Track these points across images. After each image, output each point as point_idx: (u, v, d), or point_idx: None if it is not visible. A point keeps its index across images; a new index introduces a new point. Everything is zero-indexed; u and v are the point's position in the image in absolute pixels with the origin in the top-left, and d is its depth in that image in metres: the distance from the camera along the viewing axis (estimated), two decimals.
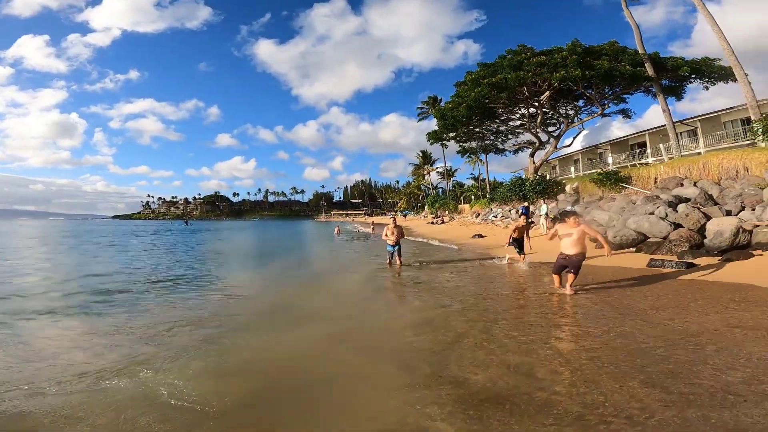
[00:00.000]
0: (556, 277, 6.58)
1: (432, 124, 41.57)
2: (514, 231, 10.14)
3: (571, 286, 6.19)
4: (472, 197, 47.07)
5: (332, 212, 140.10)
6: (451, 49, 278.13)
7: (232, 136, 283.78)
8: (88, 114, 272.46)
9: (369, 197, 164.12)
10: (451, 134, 33.47)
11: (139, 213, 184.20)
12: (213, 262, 13.61)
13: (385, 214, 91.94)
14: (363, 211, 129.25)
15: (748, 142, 18.08)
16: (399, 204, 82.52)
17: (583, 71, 21.47)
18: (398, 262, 9.99)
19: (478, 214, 29.90)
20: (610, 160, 29.47)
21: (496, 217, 25.00)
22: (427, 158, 68.67)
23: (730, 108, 21.57)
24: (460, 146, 36.21)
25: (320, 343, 4.43)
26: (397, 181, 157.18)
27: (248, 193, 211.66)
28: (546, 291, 6.66)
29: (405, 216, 58.75)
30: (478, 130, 32.61)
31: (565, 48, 22.84)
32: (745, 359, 3.37)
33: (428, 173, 69.22)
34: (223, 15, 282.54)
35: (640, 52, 21.97)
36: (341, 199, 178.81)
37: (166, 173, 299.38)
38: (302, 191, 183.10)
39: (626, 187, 16.84)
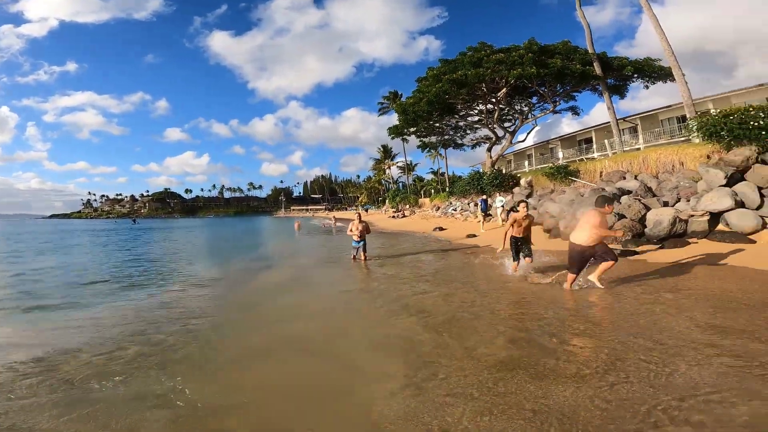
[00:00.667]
0: (574, 277, 5.70)
1: (393, 119, 41.82)
2: (512, 226, 7.29)
3: (599, 278, 5.65)
4: (432, 191, 47.86)
5: (292, 208, 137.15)
6: (413, 45, 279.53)
7: (183, 131, 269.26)
8: (20, 107, 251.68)
9: (329, 192, 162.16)
10: (412, 129, 33.74)
11: (79, 212, 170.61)
12: (174, 259, 12.88)
13: (346, 209, 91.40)
14: (324, 206, 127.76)
15: (683, 138, 19.57)
16: (360, 198, 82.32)
17: (538, 69, 22.26)
18: (363, 257, 10.08)
19: (438, 208, 30.42)
20: (560, 154, 31.00)
21: (455, 210, 25.53)
22: (387, 153, 68.90)
23: (667, 106, 23.28)
24: (420, 141, 36.67)
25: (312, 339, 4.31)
26: (358, 176, 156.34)
27: (202, 189, 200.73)
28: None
29: (366, 210, 58.64)
30: (438, 125, 33.14)
31: (522, 46, 23.56)
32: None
33: (389, 168, 69.56)
34: (175, 6, 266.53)
35: (589, 51, 22.96)
36: (301, 194, 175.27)
37: (109, 169, 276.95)
38: (260, 187, 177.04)
39: (575, 181, 17.70)
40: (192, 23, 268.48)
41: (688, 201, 9.80)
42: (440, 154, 50.01)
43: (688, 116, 17.23)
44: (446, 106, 28.06)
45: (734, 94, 19.92)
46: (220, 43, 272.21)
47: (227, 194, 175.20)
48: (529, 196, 19.11)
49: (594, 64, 22.76)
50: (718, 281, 5.81)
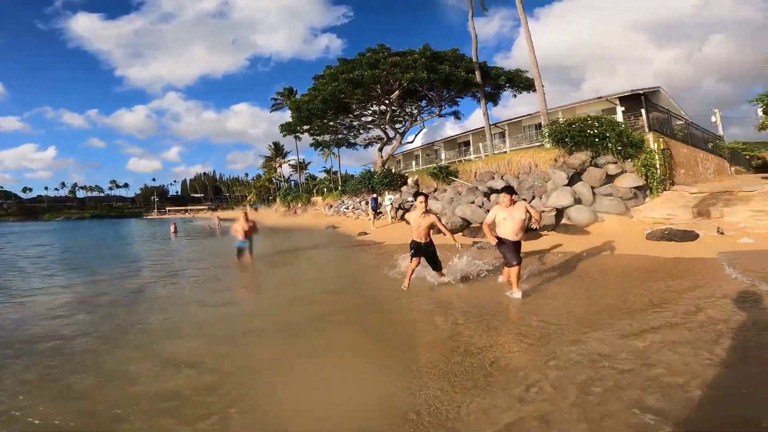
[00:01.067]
0: (509, 270, 5.52)
1: (286, 116, 40.12)
2: (418, 221, 5.98)
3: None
4: (325, 190, 47.47)
5: (167, 209, 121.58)
6: (314, 42, 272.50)
7: (22, 120, 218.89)
8: None
9: (213, 191, 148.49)
10: (306, 127, 32.96)
11: None
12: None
13: (233, 209, 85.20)
14: (206, 206, 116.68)
15: (538, 143, 22.75)
16: (248, 197, 77.50)
17: (428, 74, 23.44)
18: (249, 257, 9.53)
19: (331, 206, 30.27)
20: (443, 156, 33.57)
21: (347, 208, 25.70)
22: (279, 150, 66.09)
23: (528, 114, 26.65)
24: (313, 139, 36.04)
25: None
26: (246, 174, 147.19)
27: (46, 188, 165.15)
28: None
29: (256, 209, 55.43)
30: (332, 123, 32.94)
31: (417, 51, 24.55)
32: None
33: (280, 166, 66.79)
34: None
35: (474, 60, 24.97)
36: (179, 193, 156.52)
37: None
38: (126, 185, 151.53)
39: (454, 180, 19.32)
40: (51, 3, 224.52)
41: (541, 198, 11.44)
42: (333, 153, 49.95)
43: (543, 124, 19.94)
44: (341, 105, 28.04)
45: (578, 105, 23.11)
46: (86, 26, 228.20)
47: (81, 194, 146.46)
48: (416, 194, 20.20)
49: (476, 72, 24.88)
50: (564, 265, 6.86)
